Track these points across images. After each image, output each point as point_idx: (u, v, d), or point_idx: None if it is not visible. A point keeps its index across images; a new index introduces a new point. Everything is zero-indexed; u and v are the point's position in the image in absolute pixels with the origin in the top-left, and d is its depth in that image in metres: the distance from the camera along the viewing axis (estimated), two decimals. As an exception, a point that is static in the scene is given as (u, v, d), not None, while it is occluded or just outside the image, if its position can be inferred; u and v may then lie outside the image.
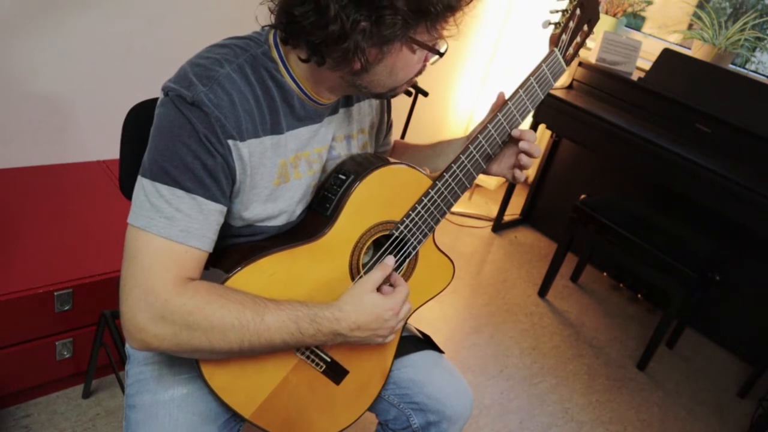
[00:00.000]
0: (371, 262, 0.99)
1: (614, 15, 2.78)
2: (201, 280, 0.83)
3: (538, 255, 2.92)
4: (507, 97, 1.03)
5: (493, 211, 3.09)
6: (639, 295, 2.72)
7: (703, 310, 2.56)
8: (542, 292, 2.57)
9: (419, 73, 0.90)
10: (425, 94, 2.30)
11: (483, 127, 0.99)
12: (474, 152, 0.98)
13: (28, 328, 1.39)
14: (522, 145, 1.01)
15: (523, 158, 1.02)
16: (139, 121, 1.13)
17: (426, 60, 0.88)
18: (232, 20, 1.82)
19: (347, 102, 1.00)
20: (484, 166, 1.01)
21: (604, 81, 2.61)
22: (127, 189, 1.17)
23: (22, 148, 1.82)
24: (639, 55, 2.66)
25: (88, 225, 1.60)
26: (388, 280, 0.95)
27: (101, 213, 1.67)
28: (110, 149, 1.91)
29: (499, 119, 0.99)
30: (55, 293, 1.38)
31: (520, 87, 1.01)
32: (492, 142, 1.00)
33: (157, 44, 1.96)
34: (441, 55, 0.86)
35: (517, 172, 1.03)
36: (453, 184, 0.98)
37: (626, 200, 2.44)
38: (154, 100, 1.14)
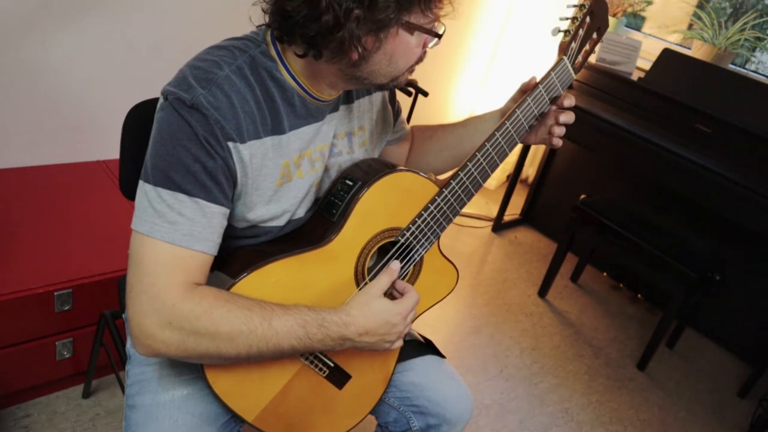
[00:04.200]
0: (376, 269, 0.98)
1: (614, 15, 2.77)
2: (207, 285, 0.82)
3: (538, 255, 2.92)
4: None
5: (493, 211, 3.09)
6: (639, 295, 2.72)
7: (703, 310, 2.56)
8: (542, 292, 2.57)
9: (420, 60, 0.89)
10: (425, 94, 2.30)
11: (492, 133, 0.98)
12: (481, 159, 0.98)
13: (28, 328, 1.39)
14: (561, 117, 1.04)
15: (556, 129, 1.05)
16: (139, 121, 1.13)
17: (425, 45, 0.87)
18: (232, 19, 1.81)
19: (347, 99, 1.00)
20: (491, 173, 1.01)
21: (604, 81, 2.61)
22: (127, 189, 1.17)
23: (22, 148, 1.81)
24: (639, 55, 2.65)
25: (88, 225, 1.60)
26: (394, 286, 0.95)
27: (101, 213, 1.66)
28: (110, 149, 1.90)
29: (508, 124, 0.99)
30: (55, 293, 1.38)
31: (528, 95, 1.00)
32: (499, 148, 1.00)
33: (158, 44, 1.96)
34: (439, 37, 0.86)
35: (555, 140, 1.06)
36: (459, 191, 0.97)
37: (626, 200, 2.44)
38: (154, 100, 1.14)
